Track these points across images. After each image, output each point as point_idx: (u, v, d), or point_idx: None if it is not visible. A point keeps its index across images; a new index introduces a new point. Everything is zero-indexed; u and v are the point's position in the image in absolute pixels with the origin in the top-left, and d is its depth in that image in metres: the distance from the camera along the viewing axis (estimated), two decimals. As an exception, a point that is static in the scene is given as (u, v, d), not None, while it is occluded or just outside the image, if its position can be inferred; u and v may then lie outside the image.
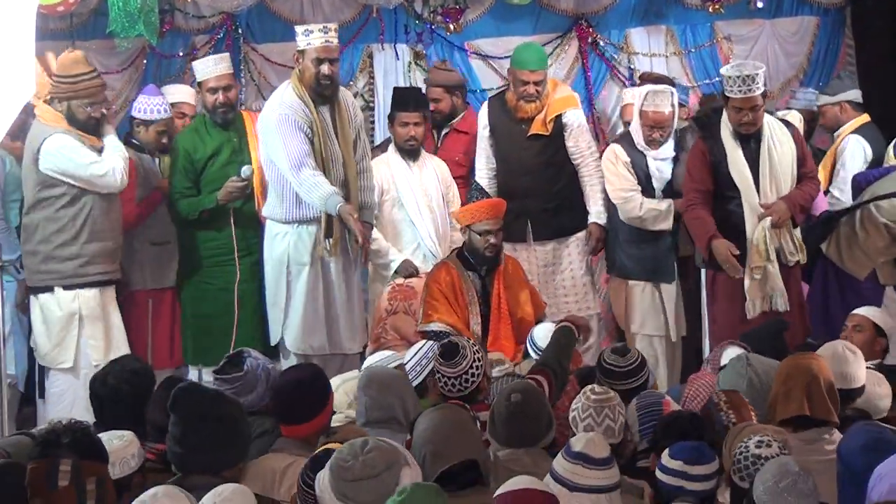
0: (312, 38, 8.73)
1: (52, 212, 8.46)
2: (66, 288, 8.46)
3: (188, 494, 4.84)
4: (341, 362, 9.11)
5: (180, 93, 9.88)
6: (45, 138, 8.33)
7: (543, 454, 6.09)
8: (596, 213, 10.03)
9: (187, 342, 9.21)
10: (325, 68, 8.76)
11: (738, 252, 9.21)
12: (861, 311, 8.56)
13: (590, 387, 6.37)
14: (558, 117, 9.86)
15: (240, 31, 11.13)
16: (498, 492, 4.83)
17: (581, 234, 10.17)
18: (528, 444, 6.04)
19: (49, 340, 8.52)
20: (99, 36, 9.50)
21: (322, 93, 8.83)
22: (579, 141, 10.00)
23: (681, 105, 10.53)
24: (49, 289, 8.49)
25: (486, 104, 10.38)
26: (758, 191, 9.24)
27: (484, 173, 10.12)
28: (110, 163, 8.36)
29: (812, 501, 4.94)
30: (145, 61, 10.62)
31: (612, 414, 6.11)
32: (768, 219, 9.13)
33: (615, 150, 9.97)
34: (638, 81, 11.16)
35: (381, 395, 6.63)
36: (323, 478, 4.95)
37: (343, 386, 7.26)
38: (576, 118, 10.04)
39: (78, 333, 8.53)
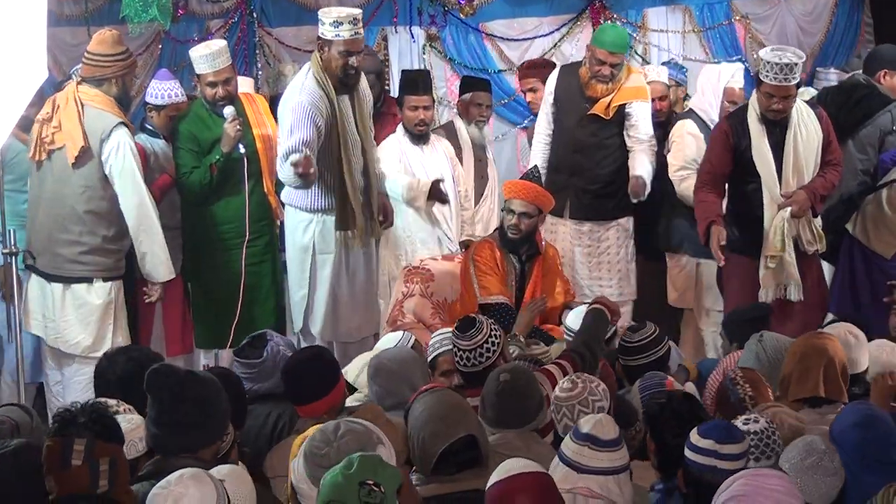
0: (342, 30, 8.50)
1: (108, 206, 8.42)
2: (104, 280, 8.44)
3: (212, 476, 4.85)
4: (360, 346, 9.05)
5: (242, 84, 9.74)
6: (111, 130, 8.30)
7: (535, 436, 6.13)
8: (641, 169, 9.81)
9: (199, 326, 9.17)
10: (353, 60, 8.64)
11: (723, 242, 9.07)
12: None
13: (559, 386, 6.31)
14: (622, 106, 9.73)
15: (254, 14, 11.18)
16: (492, 477, 4.79)
17: (623, 220, 10.09)
18: (518, 424, 6.03)
19: (85, 330, 8.46)
20: (113, 21, 9.36)
21: (346, 82, 8.72)
22: (639, 131, 9.82)
23: (678, 84, 10.67)
24: (88, 279, 8.44)
25: (556, 71, 10.20)
26: (780, 178, 9.10)
27: (542, 138, 10.05)
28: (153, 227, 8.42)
29: (837, 480, 5.05)
30: (160, 46, 10.66)
31: (568, 412, 6.05)
32: (788, 209, 9.01)
33: (686, 125, 9.90)
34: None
35: (389, 382, 6.64)
36: (297, 466, 4.97)
37: (364, 367, 7.28)
38: (641, 111, 9.84)
39: (113, 324, 8.53)
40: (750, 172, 9.14)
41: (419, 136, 9.89)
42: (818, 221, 9.24)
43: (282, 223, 9.16)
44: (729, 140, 9.25)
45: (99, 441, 5.19)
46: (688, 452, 5.25)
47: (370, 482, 4.57)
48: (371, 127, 9.15)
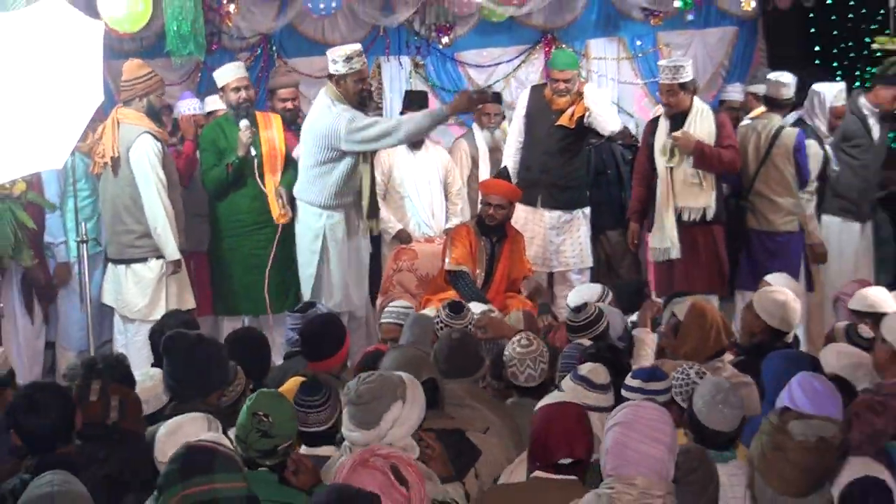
0: (353, 63, 8.46)
1: None
2: (156, 258, 8.42)
3: (210, 417, 4.87)
4: (367, 316, 9.19)
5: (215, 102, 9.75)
6: (136, 139, 8.26)
7: (476, 386, 6.12)
8: None
9: (218, 297, 9.18)
10: (364, 85, 8.68)
11: (636, 241, 9.65)
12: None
13: (517, 338, 6.31)
14: (582, 117, 9.61)
15: (273, 48, 11.11)
16: (539, 404, 4.83)
17: (584, 209, 10.05)
18: (464, 375, 6.01)
19: (143, 299, 8.45)
20: (160, 55, 9.45)
21: (364, 104, 8.72)
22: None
23: None
24: (143, 259, 8.43)
25: (526, 91, 10.18)
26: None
27: (514, 144, 9.98)
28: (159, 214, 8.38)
29: (739, 412, 5.01)
30: (199, 74, 10.62)
31: (532, 363, 6.08)
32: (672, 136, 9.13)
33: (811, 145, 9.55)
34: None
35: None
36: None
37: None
38: (601, 101, 9.90)
39: (166, 292, 8.52)
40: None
41: (414, 144, 9.90)
42: (709, 200, 9.25)
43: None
44: (646, 139, 9.38)
45: (112, 383, 5.38)
46: (623, 392, 5.35)
47: (261, 413, 4.64)
48: None
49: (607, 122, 9.71)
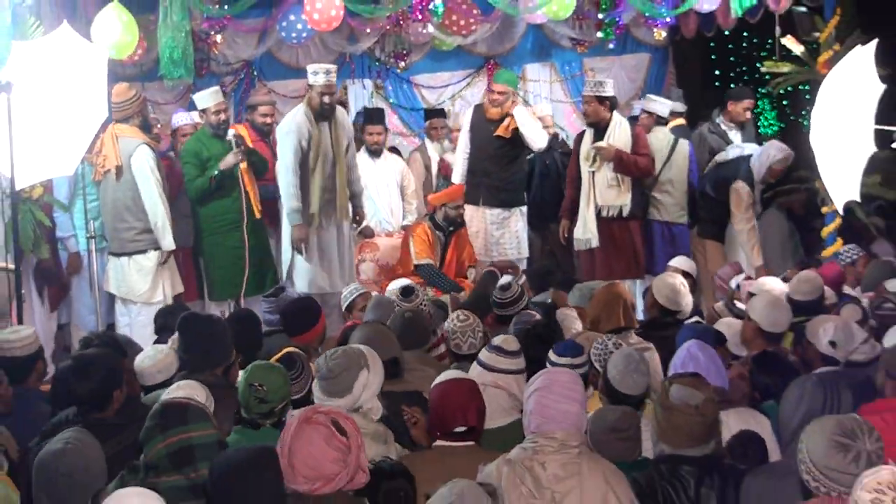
0: (318, 77, 8.71)
1: None
2: (154, 250, 8.47)
3: (203, 386, 4.88)
4: (338, 298, 9.17)
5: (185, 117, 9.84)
6: (135, 150, 8.34)
7: (427, 357, 6.25)
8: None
9: (206, 285, 9.14)
10: (326, 98, 8.80)
11: (566, 234, 9.67)
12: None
13: (456, 313, 6.39)
14: (516, 128, 9.74)
15: (255, 72, 11.12)
16: (434, 383, 4.81)
17: (521, 207, 10.14)
18: (415, 346, 6.11)
19: (145, 284, 8.50)
20: (155, 78, 9.41)
21: (323, 113, 8.85)
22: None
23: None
24: (143, 251, 8.48)
25: (469, 109, 10.33)
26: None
27: (462, 155, 10.05)
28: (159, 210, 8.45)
29: (646, 379, 5.08)
30: (191, 95, 10.42)
31: (472, 333, 6.12)
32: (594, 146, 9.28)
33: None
34: None
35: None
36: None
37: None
38: (531, 118, 9.95)
39: (161, 277, 8.56)
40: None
41: (374, 152, 10.08)
42: (626, 199, 9.41)
43: None
44: (576, 149, 9.53)
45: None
46: (548, 364, 5.35)
47: (256, 383, 4.67)
48: (354, 145, 9.29)
49: (534, 140, 9.84)
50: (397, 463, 4.21)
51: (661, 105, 10.28)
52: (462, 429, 4.54)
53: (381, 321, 6.43)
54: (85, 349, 5.73)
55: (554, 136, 10.49)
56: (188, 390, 4.76)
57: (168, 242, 8.47)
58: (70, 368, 5.14)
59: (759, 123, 13.09)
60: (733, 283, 8.12)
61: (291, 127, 8.80)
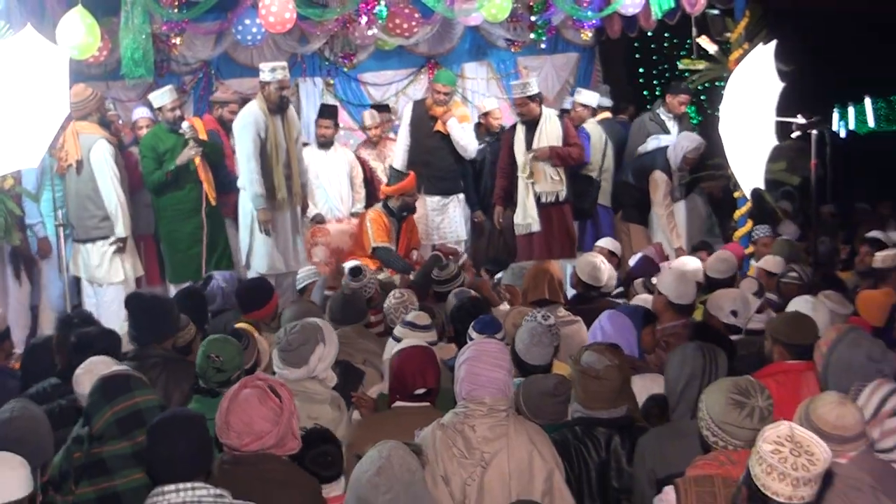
0: (276, 73, 8.72)
1: None
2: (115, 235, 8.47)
3: (109, 361, 4.84)
4: (292, 278, 9.09)
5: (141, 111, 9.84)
6: (94, 145, 8.35)
7: (364, 330, 6.29)
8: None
9: (169, 268, 9.14)
10: (284, 92, 8.84)
11: (501, 219, 9.73)
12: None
13: (393, 292, 6.48)
14: None
15: (212, 71, 11.02)
16: (393, 351, 4.85)
17: (459, 195, 10.23)
18: (353, 321, 6.16)
19: (107, 266, 8.51)
20: (118, 77, 9.25)
21: (281, 106, 8.85)
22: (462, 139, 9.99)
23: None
24: (105, 237, 8.47)
25: (410, 104, 10.37)
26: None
27: (403, 147, 10.11)
28: (113, 200, 8.44)
29: (551, 349, 5.15)
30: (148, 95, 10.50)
31: (405, 310, 6.19)
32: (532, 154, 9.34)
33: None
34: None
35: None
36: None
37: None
38: (463, 126, 10.00)
39: (122, 260, 8.56)
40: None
41: (325, 145, 10.09)
42: (563, 185, 9.47)
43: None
44: (507, 142, 9.54)
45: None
46: (468, 340, 5.32)
47: (213, 354, 4.70)
48: (296, 137, 9.22)
49: (465, 149, 9.98)
50: (325, 429, 4.26)
51: (593, 96, 10.42)
52: (422, 391, 4.59)
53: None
54: (65, 326, 5.72)
55: (501, 129, 10.57)
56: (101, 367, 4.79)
57: (121, 230, 8.48)
58: (73, 345, 5.25)
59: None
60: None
61: (249, 120, 8.78)
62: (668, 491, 3.63)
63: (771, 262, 7.93)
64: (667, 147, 9.79)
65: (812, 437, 3.06)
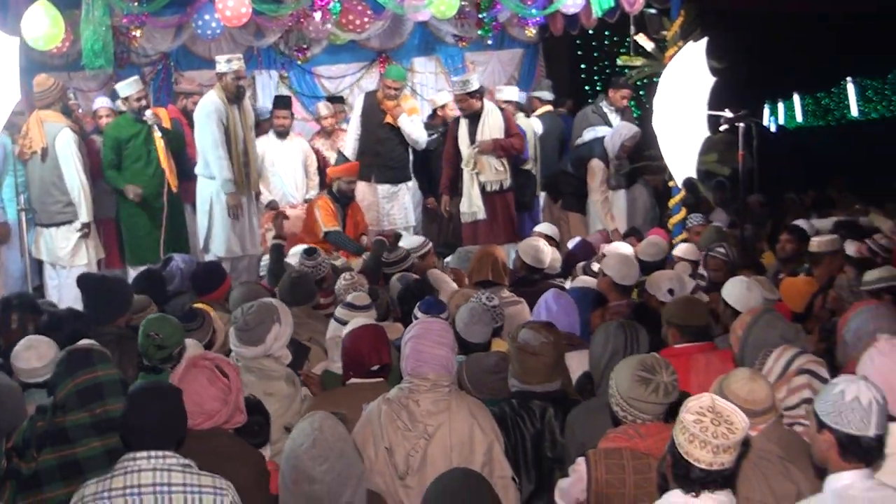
0: (233, 64, 8.74)
1: None
2: (78, 220, 8.43)
3: (51, 342, 4.87)
4: (248, 261, 9.23)
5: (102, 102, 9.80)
6: (58, 133, 8.32)
7: (313, 311, 6.29)
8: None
9: (127, 251, 9.09)
10: (241, 82, 8.87)
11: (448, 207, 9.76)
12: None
13: (343, 274, 6.49)
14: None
15: (172, 63, 10.97)
16: (345, 331, 4.85)
17: (408, 182, 10.28)
18: (302, 302, 6.15)
19: (70, 249, 8.47)
20: (79, 68, 9.17)
21: (238, 96, 8.87)
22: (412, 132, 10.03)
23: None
24: (70, 221, 8.43)
25: (361, 96, 10.35)
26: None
27: (353, 136, 10.08)
28: (76, 186, 8.40)
29: (489, 328, 5.19)
30: (113, 84, 10.24)
31: (353, 288, 6.20)
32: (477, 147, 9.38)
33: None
34: None
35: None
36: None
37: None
38: (412, 119, 10.04)
39: (86, 244, 8.53)
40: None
41: (281, 134, 10.07)
42: (507, 174, 9.53)
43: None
44: (452, 134, 9.59)
45: (26, 314, 5.53)
46: (414, 320, 5.35)
47: (153, 332, 4.71)
48: (252, 127, 9.26)
49: (416, 142, 10.03)
50: (255, 400, 4.29)
51: (513, 92, 10.69)
52: (377, 367, 4.62)
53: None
54: (5, 309, 5.71)
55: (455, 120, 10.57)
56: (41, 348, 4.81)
57: (84, 214, 8.44)
58: (45, 323, 5.32)
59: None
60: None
61: (211, 108, 8.80)
62: (580, 462, 3.73)
63: (686, 249, 8.04)
64: (604, 137, 9.91)
65: (732, 408, 3.15)
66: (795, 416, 3.92)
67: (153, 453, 3.39)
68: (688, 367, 4.76)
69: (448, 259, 8.92)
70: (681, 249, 8.02)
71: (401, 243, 7.96)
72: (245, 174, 8.98)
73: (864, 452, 3.20)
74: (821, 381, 3.94)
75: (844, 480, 3.22)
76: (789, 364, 4.02)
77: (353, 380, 4.66)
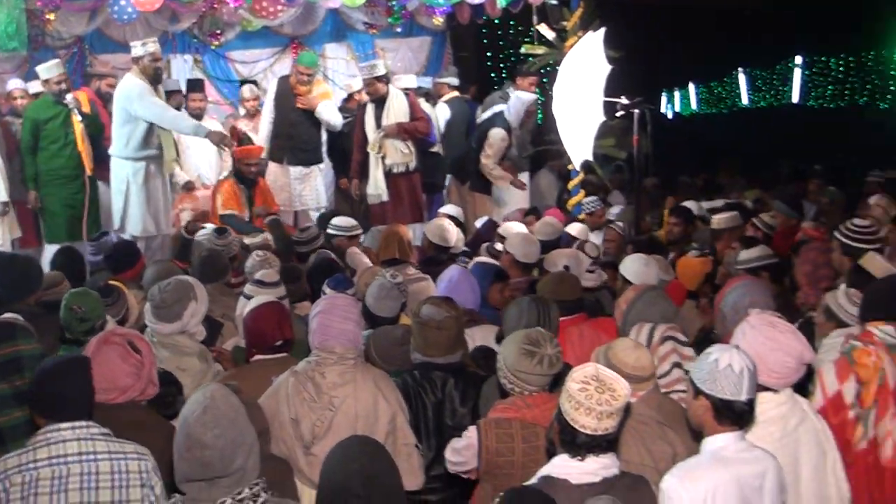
0: (148, 47, 8.58)
1: None
2: None
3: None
4: (161, 240, 9.11)
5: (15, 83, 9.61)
6: None
7: (226, 289, 6.28)
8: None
9: (45, 229, 9.00)
10: (158, 64, 8.71)
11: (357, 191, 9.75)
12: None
13: (254, 253, 6.41)
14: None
15: (87, 46, 10.78)
16: (246, 308, 4.85)
17: (320, 164, 10.21)
18: (214, 280, 6.11)
19: None
20: None
21: (157, 78, 8.75)
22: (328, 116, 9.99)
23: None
24: None
25: (275, 81, 10.25)
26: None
27: (267, 119, 9.99)
28: None
29: (398, 303, 5.23)
30: (28, 66, 10.10)
31: (267, 265, 6.10)
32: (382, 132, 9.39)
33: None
34: None
35: None
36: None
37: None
38: (326, 104, 9.99)
39: (0, 223, 8.41)
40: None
41: (196, 117, 9.82)
42: (412, 157, 9.54)
43: None
44: (361, 119, 9.59)
45: None
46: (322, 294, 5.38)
47: (75, 306, 4.67)
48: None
49: (334, 126, 10.02)
50: (166, 373, 4.30)
51: (411, 79, 10.71)
52: (280, 342, 4.62)
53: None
54: None
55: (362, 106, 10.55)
56: None
57: (1, 194, 8.30)
58: None
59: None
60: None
61: (141, 88, 8.58)
62: (472, 430, 3.80)
63: (577, 229, 8.11)
64: (502, 112, 9.87)
65: (614, 376, 3.22)
66: (669, 382, 4.04)
67: (76, 424, 3.37)
68: (563, 340, 4.85)
69: (362, 238, 8.92)
70: (573, 228, 8.13)
71: (334, 222, 7.88)
72: (159, 154, 8.86)
73: (736, 416, 3.32)
74: (683, 346, 4.08)
75: (719, 442, 3.33)
76: (651, 335, 4.16)
77: (258, 357, 4.66)
